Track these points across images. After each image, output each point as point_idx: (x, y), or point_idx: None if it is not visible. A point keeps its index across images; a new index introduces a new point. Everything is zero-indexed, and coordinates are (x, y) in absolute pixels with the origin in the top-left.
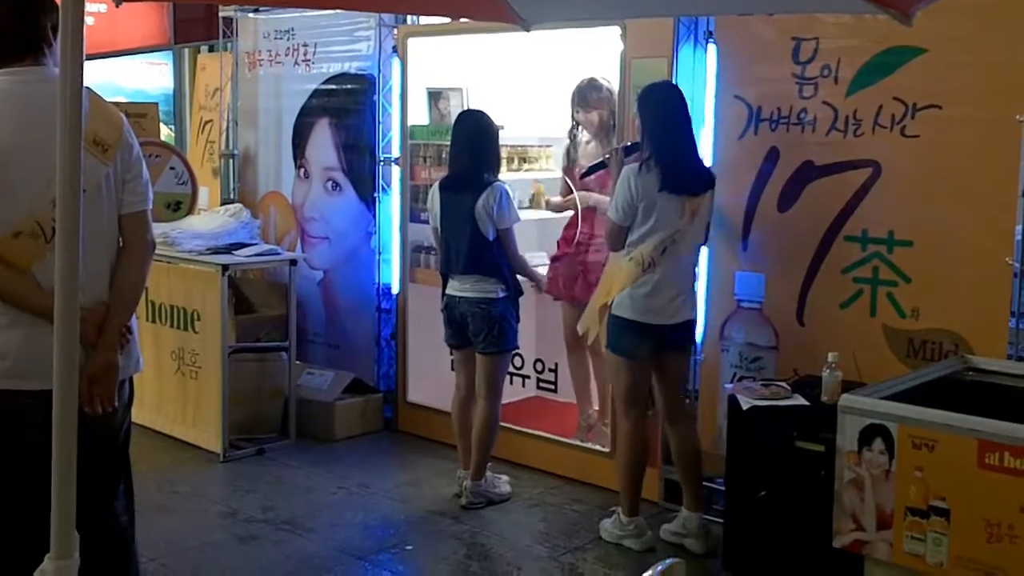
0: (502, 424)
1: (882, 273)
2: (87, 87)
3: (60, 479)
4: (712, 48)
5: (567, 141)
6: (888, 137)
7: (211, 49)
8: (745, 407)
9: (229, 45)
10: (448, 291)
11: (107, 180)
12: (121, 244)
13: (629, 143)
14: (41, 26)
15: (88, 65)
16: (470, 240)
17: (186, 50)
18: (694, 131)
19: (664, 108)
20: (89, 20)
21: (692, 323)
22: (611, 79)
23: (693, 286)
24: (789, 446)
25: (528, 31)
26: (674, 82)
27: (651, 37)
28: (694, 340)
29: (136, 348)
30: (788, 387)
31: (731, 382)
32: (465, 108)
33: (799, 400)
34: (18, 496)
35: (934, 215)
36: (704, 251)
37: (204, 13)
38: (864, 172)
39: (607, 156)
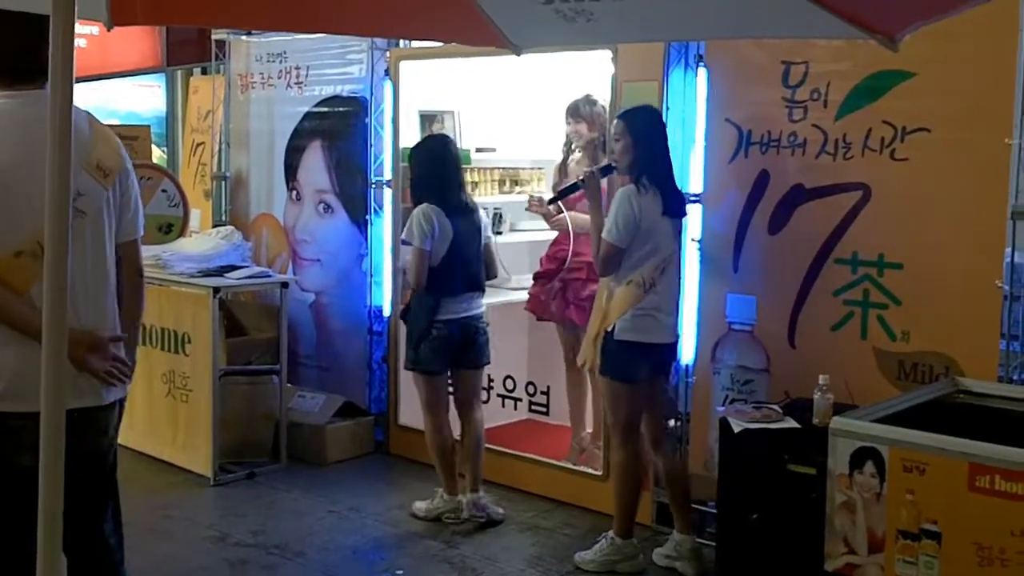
0: (493, 447)
1: (873, 296)
2: (88, 113)
3: (47, 503)
4: (703, 71)
5: (560, 158)
6: (878, 160)
7: (204, 72)
8: (737, 430)
9: (221, 67)
10: (454, 314)
11: (107, 204)
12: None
13: (603, 165)
14: (47, 52)
15: (81, 87)
16: (477, 259)
17: (178, 72)
18: (686, 154)
19: (655, 132)
20: (81, 42)
21: (678, 344)
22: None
23: (678, 308)
24: (781, 469)
25: (519, 55)
26: (665, 105)
27: (642, 60)
28: (676, 360)
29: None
30: (780, 410)
31: (723, 405)
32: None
33: (791, 423)
34: (10, 518)
35: (924, 238)
36: (695, 273)
37: (196, 35)
38: (854, 195)
39: (581, 179)
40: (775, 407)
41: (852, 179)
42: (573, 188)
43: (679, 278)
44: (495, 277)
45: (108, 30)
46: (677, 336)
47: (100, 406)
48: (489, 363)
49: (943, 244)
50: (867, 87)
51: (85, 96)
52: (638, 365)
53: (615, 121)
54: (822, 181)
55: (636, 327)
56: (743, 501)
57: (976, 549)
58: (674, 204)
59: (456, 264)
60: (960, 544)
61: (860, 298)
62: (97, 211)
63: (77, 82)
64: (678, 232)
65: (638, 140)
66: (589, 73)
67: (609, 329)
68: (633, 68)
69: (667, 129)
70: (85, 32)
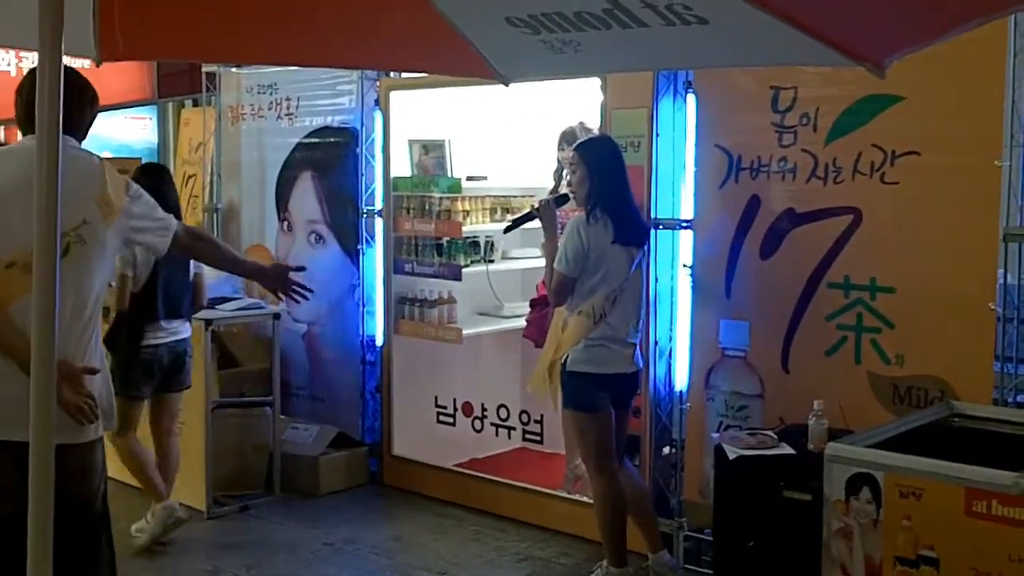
0: (487, 476)
1: (866, 320)
2: (97, 155)
3: (36, 548)
4: (692, 98)
5: (551, 185)
6: (868, 184)
7: (195, 104)
8: (732, 457)
9: (212, 99)
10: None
11: (104, 240)
12: None
13: (559, 195)
14: (81, 114)
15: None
16: (183, 287)
17: (170, 104)
18: (676, 181)
19: (610, 162)
20: None
21: (639, 374)
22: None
23: (638, 338)
24: (777, 496)
25: (507, 86)
26: (655, 132)
27: (631, 88)
28: (638, 392)
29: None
30: (775, 436)
31: (717, 431)
32: (449, 160)
33: (786, 449)
34: None
35: (916, 261)
36: (687, 299)
37: (187, 68)
38: (845, 219)
39: (536, 208)
40: (770, 433)
41: (843, 203)
42: (528, 217)
43: (638, 309)
44: (202, 308)
45: (97, 66)
46: (637, 367)
47: (76, 444)
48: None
49: (935, 267)
50: (856, 111)
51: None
52: (594, 394)
53: (572, 152)
54: (813, 205)
55: (588, 358)
56: (739, 528)
57: (974, 575)
58: (628, 232)
59: (160, 291)
60: (958, 570)
61: (853, 322)
62: (94, 243)
63: None
64: (634, 261)
65: (592, 171)
66: (579, 101)
67: (563, 360)
68: (622, 96)
69: (622, 157)
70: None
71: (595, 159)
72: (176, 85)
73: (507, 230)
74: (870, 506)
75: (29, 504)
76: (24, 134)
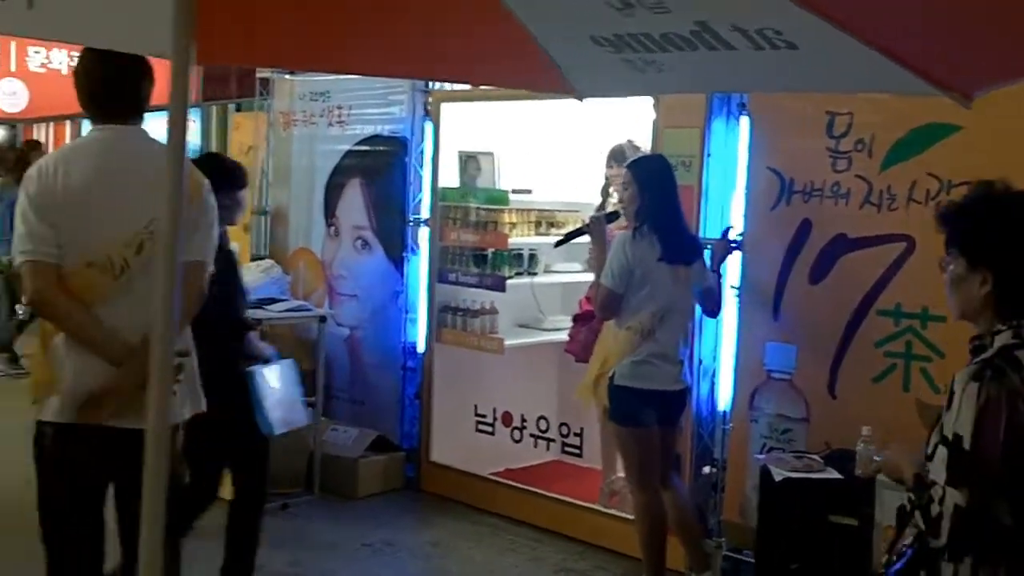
0: (524, 487)
1: (916, 348)
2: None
3: (150, 506)
4: (745, 120)
5: (599, 199)
6: (923, 212)
7: (238, 108)
8: (778, 479)
9: (258, 103)
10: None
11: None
12: None
13: (609, 211)
14: (141, 93)
15: None
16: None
17: (213, 108)
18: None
19: (660, 180)
20: None
21: (688, 392)
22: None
23: (686, 355)
24: (822, 520)
25: (581, 101)
26: (707, 152)
27: (684, 107)
28: (686, 409)
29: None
30: (820, 460)
31: (761, 453)
32: (496, 172)
33: (832, 473)
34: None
35: None
36: (733, 319)
37: (235, 71)
38: (898, 246)
39: (586, 224)
40: (816, 457)
41: (896, 230)
42: (578, 232)
43: (686, 327)
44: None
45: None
46: (685, 385)
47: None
48: None
49: None
50: (913, 139)
51: None
52: (639, 410)
53: (622, 169)
54: (865, 231)
55: (634, 373)
56: (783, 551)
57: None
58: (675, 251)
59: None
60: None
61: (903, 350)
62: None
63: None
64: (685, 280)
65: (643, 189)
66: (627, 118)
67: (610, 374)
68: (674, 115)
69: (674, 176)
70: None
71: (646, 177)
72: (220, 88)
73: (558, 244)
74: None
75: (144, 479)
76: (94, 121)
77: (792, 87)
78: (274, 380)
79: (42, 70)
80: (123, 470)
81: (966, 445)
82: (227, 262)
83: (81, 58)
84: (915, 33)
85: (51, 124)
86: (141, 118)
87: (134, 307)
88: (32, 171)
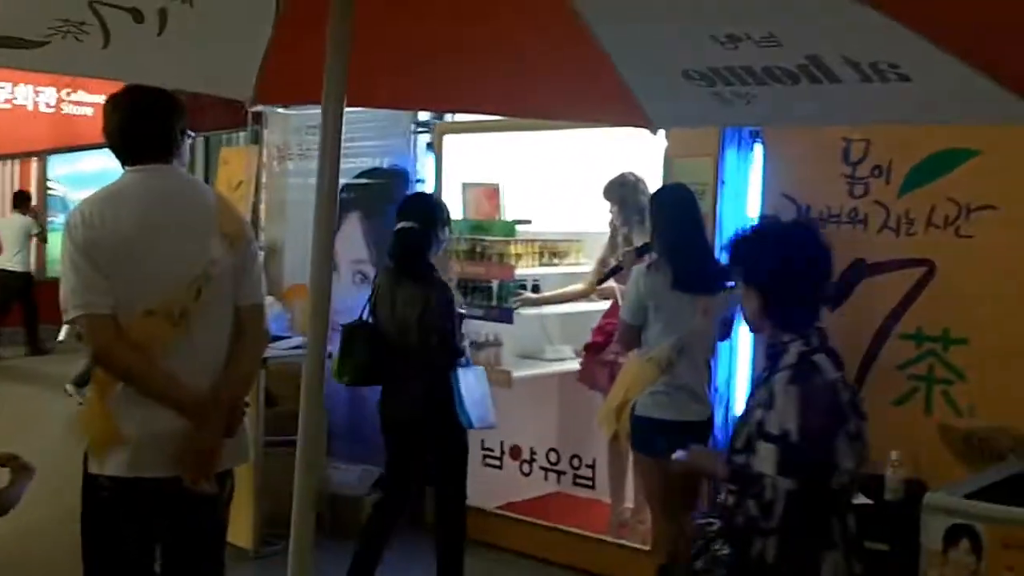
0: (535, 521)
1: (937, 371)
2: (212, 188)
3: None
4: (758, 148)
5: (608, 231)
6: (942, 236)
7: (227, 142)
8: None
9: (246, 137)
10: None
11: (231, 270)
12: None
13: (641, 244)
14: (172, 131)
15: (97, 155)
16: None
17: (199, 139)
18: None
19: (673, 210)
20: (88, 111)
21: (710, 423)
22: (649, 176)
23: (710, 385)
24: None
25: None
26: (720, 180)
27: (695, 136)
28: (709, 440)
29: (244, 437)
30: None
31: None
32: (501, 203)
33: (861, 498)
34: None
35: (990, 313)
36: (747, 346)
37: (222, 103)
38: (918, 271)
39: (621, 259)
40: None
41: (916, 255)
42: (617, 269)
43: (709, 357)
44: None
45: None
46: (708, 415)
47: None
48: None
49: (1009, 319)
50: (930, 164)
51: (104, 164)
52: (659, 440)
53: (615, 204)
54: (884, 256)
55: (655, 403)
56: None
57: None
58: (688, 279)
59: None
60: None
61: (924, 373)
62: (224, 277)
63: (90, 149)
64: (709, 311)
65: (658, 218)
66: (634, 148)
67: (632, 404)
68: (685, 144)
69: (695, 204)
70: (93, 101)
71: (658, 206)
72: (211, 119)
73: (600, 282)
74: (970, 558)
75: (294, 504)
76: (126, 163)
77: (886, 118)
78: (472, 381)
79: (7, 106)
80: (176, 528)
81: (793, 439)
82: (446, 293)
83: (112, 97)
84: None
85: (16, 161)
86: (174, 156)
87: (194, 353)
88: (75, 219)
